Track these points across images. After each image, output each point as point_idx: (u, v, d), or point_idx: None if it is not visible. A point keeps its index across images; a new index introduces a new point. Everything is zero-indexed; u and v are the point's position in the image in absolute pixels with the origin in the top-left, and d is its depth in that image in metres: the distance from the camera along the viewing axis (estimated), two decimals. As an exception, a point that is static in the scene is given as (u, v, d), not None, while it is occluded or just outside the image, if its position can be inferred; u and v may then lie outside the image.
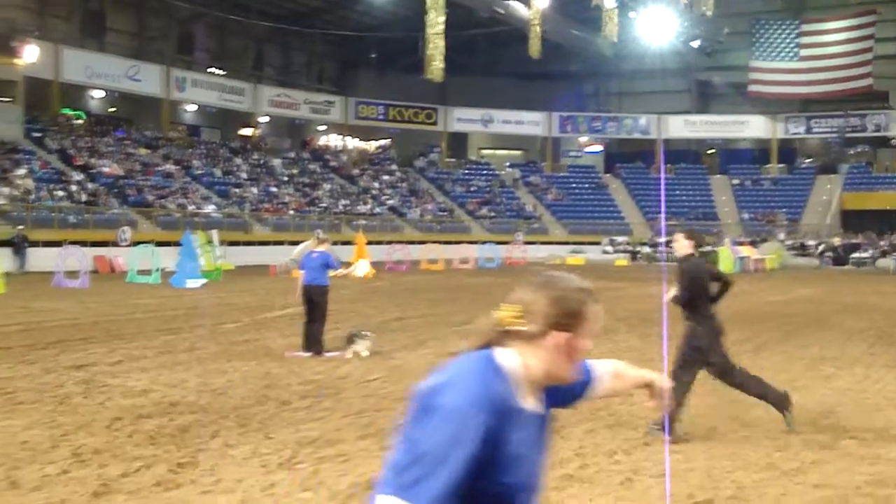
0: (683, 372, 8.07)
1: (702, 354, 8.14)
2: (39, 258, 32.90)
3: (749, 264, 42.83)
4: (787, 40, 63.33)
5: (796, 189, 65.91)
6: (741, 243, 48.32)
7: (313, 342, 13.09)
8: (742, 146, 72.70)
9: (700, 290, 8.16)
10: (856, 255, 48.99)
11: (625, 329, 16.66)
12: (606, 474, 6.93)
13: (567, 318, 2.24)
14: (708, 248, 49.84)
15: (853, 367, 12.66)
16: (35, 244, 34.40)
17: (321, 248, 13.78)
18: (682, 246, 8.26)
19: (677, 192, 65.33)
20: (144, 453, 7.25)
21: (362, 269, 15.31)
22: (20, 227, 34.61)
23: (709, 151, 72.83)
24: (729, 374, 8.33)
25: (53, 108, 48.69)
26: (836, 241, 52.04)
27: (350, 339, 13.21)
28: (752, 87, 64.55)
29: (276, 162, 57.65)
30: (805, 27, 63.26)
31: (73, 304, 20.82)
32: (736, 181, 68.09)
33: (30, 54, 44.21)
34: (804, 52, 62.85)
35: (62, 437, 7.80)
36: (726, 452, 7.63)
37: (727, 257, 41.93)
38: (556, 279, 2.31)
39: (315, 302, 13.19)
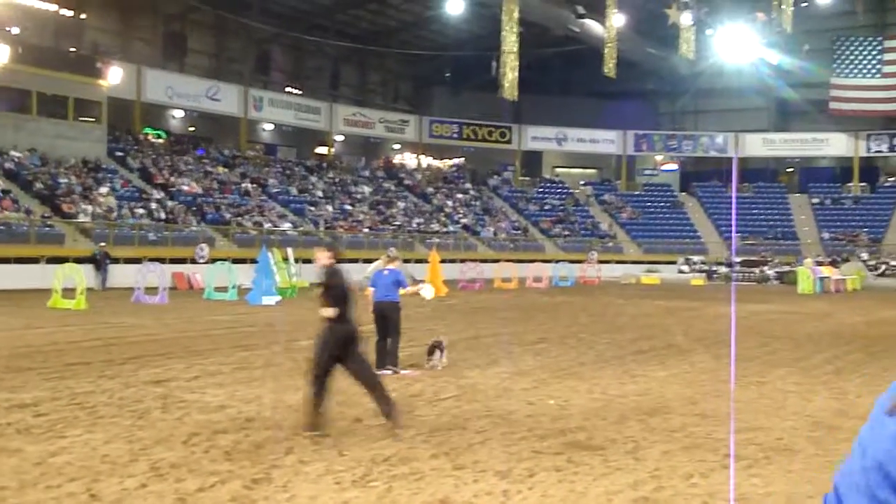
0: (318, 368, 8.92)
1: (331, 354, 8.92)
2: (120, 275, 33.49)
3: (830, 285, 41.90)
4: (870, 57, 62.17)
5: (879, 208, 64.39)
6: (821, 263, 47.34)
7: (389, 358, 13.15)
8: (822, 164, 71.40)
9: (339, 295, 9.02)
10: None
11: (701, 350, 16.39)
12: (683, 498, 6.80)
13: None
14: (787, 268, 49.19)
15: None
16: (116, 261, 35.08)
17: (391, 266, 13.84)
18: (323, 256, 9.27)
19: (755, 211, 64.37)
20: (220, 468, 7.32)
21: (428, 292, 15.61)
22: (102, 244, 35.36)
23: (787, 170, 71.68)
24: (359, 375, 9.16)
25: (135, 127, 49.89)
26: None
27: (431, 350, 13.49)
28: (833, 105, 63.39)
29: (351, 180, 58.17)
30: (888, 43, 62.10)
31: (152, 320, 21.20)
32: (816, 200, 66.78)
33: (114, 76, 45.34)
34: (887, 69, 61.66)
35: (141, 451, 7.92)
36: (806, 477, 7.44)
37: (806, 277, 41.10)
38: None
39: (388, 318, 13.25)
